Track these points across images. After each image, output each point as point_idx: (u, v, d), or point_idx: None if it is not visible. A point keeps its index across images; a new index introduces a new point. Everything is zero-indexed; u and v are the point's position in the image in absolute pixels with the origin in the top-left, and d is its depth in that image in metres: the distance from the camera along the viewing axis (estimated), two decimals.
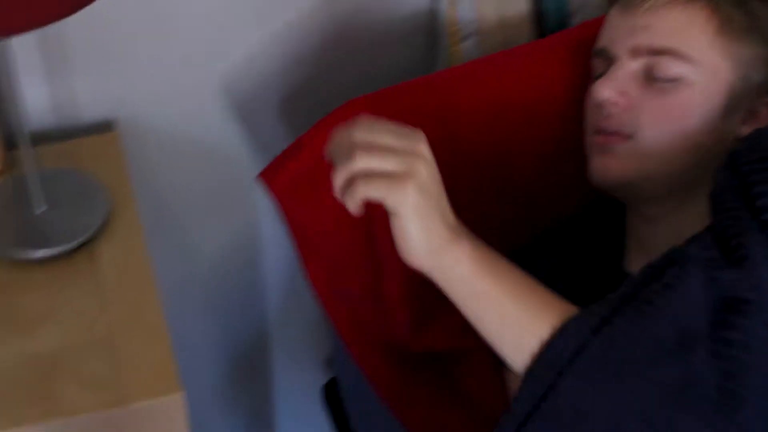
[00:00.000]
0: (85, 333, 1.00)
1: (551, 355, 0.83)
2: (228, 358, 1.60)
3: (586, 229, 1.20)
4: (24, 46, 1.17)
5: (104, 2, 1.12)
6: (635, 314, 0.81)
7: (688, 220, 1.01)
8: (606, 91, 1.05)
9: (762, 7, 1.04)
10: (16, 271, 1.06)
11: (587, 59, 1.14)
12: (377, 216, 1.14)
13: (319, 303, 1.17)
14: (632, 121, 1.04)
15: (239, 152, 1.36)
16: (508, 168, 1.20)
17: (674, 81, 1.02)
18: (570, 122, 1.17)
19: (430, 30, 1.33)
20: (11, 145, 1.16)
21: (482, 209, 1.19)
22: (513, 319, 0.86)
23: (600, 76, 1.08)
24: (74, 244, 1.07)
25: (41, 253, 1.06)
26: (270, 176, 1.12)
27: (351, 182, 0.84)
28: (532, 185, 1.21)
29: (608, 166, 1.05)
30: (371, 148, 0.83)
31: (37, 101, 1.21)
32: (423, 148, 0.86)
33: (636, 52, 1.04)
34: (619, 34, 1.07)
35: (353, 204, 0.84)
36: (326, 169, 1.15)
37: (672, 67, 1.02)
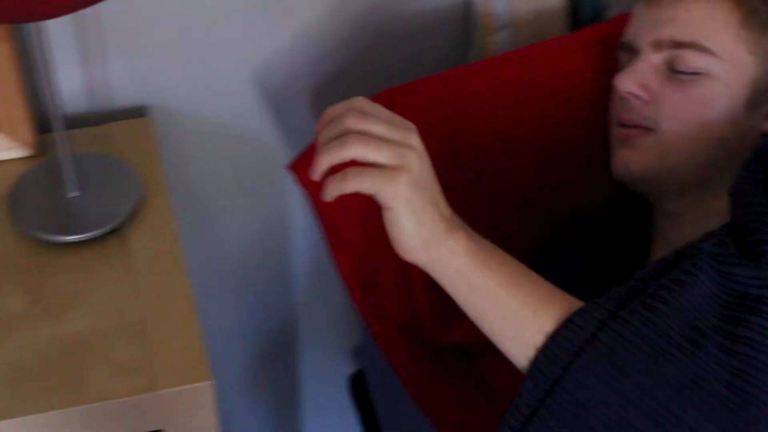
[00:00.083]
0: (115, 318, 1.00)
1: (556, 349, 0.82)
2: (255, 346, 1.60)
3: (612, 227, 1.20)
4: (60, 30, 1.17)
5: None
6: (643, 308, 0.80)
7: (713, 216, 1.00)
8: (626, 83, 1.04)
9: None
10: (47, 254, 1.06)
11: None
12: None
13: (347, 293, 1.17)
14: (653, 114, 1.03)
15: (270, 140, 1.36)
16: (535, 161, 1.19)
17: (696, 74, 1.01)
18: (599, 118, 1.16)
19: (464, 21, 1.33)
20: (45, 128, 1.16)
21: (508, 202, 1.18)
22: (512, 311, 0.85)
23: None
24: (106, 228, 1.08)
25: (73, 236, 1.07)
26: (299, 166, 1.12)
27: (339, 170, 0.82)
28: (560, 179, 1.21)
29: (629, 159, 1.05)
30: (365, 138, 0.82)
31: (71, 85, 1.22)
32: (415, 139, 0.84)
33: (658, 45, 1.04)
34: (643, 27, 1.06)
35: (336, 192, 0.82)
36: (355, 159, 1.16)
37: (694, 60, 1.01)
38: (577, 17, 1.30)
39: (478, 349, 1.15)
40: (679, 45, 1.02)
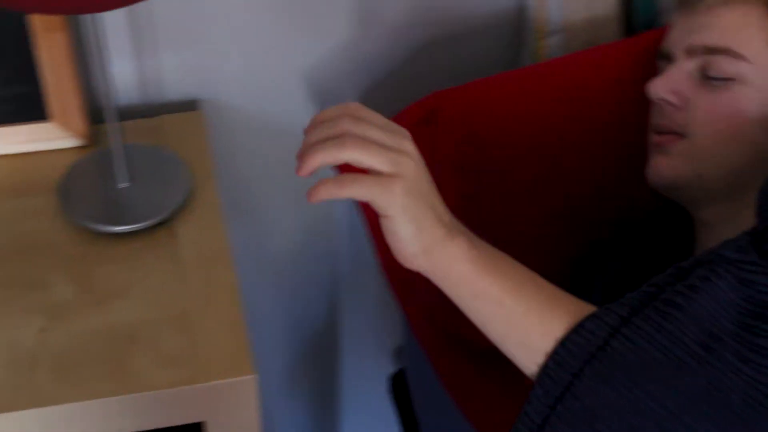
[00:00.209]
0: (161, 309, 1.01)
1: (567, 355, 0.80)
2: (296, 342, 1.60)
3: (654, 235, 1.19)
4: (114, 22, 1.18)
5: None
6: (656, 315, 0.78)
7: (749, 225, 0.99)
8: (658, 88, 1.04)
9: None
10: (97, 244, 1.07)
11: None
12: (450, 204, 1.14)
13: (392, 293, 1.17)
14: (686, 120, 1.03)
15: None
16: (581, 167, 1.19)
17: (728, 80, 1.01)
18: (645, 125, 1.16)
19: (517, 25, 1.32)
20: (98, 119, 1.18)
21: (552, 207, 1.18)
22: (518, 316, 0.83)
23: None
24: (155, 220, 1.08)
25: (122, 227, 1.08)
26: (347, 165, 1.12)
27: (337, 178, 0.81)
28: (605, 185, 1.20)
29: (662, 165, 1.05)
30: (363, 142, 0.80)
31: (124, 77, 1.23)
32: (410, 145, 0.83)
33: (692, 52, 1.04)
34: (679, 34, 1.06)
35: (328, 197, 0.81)
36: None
37: (726, 66, 1.01)
38: (630, 23, 1.29)
39: None
40: (711, 51, 1.02)
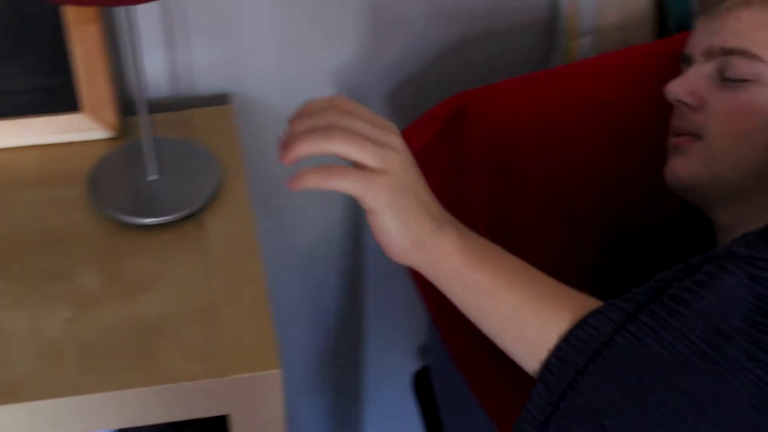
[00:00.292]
0: (188, 301, 1.01)
1: (570, 352, 0.79)
2: (320, 337, 1.61)
3: (674, 243, 1.18)
4: (147, 15, 1.18)
5: None
6: (663, 311, 0.77)
7: None
8: (675, 89, 1.04)
9: None
10: (125, 235, 1.08)
11: None
12: (473, 207, 1.14)
13: (417, 290, 1.17)
14: (702, 121, 1.02)
15: None
16: (608, 170, 1.19)
17: (744, 81, 1.00)
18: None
19: (549, 25, 1.32)
20: (128, 111, 1.18)
21: (578, 208, 1.18)
22: (512, 309, 0.83)
23: None
24: (183, 213, 1.09)
25: (151, 219, 1.08)
26: None
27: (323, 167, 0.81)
28: (631, 190, 1.20)
29: (678, 166, 1.04)
30: (350, 135, 0.80)
31: (155, 70, 1.23)
32: (397, 139, 0.83)
33: (709, 53, 1.04)
34: (699, 37, 1.06)
35: (312, 186, 0.81)
36: (432, 158, 1.16)
37: (743, 67, 1.00)
38: (664, 24, 1.29)
39: None
40: (728, 52, 1.02)
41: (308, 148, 0.80)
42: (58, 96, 1.16)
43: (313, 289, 1.52)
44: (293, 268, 1.48)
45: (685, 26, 1.28)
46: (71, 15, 1.11)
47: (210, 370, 0.95)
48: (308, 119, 0.82)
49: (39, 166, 1.16)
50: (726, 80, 1.01)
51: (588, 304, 0.82)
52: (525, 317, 0.83)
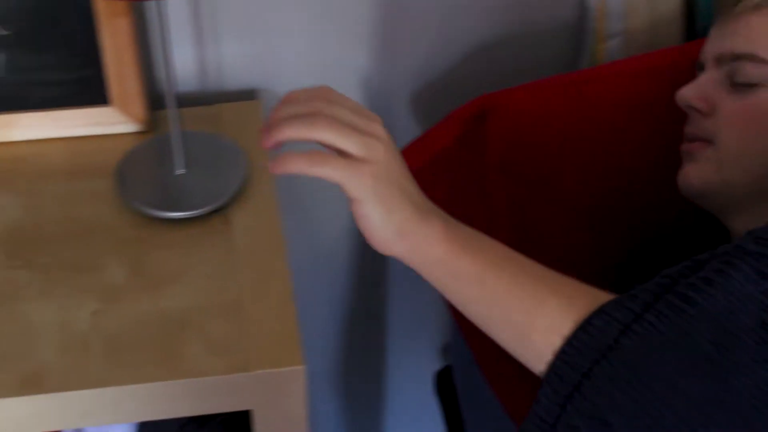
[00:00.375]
0: (213, 296, 1.01)
1: (576, 354, 0.78)
2: (343, 334, 1.61)
3: (697, 246, 1.18)
4: (176, 10, 1.19)
5: None
6: (670, 311, 0.76)
7: None
8: (686, 94, 1.04)
9: None
10: (151, 229, 1.08)
11: None
12: (496, 209, 1.14)
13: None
14: (712, 126, 1.02)
15: None
16: (629, 176, 1.19)
17: (754, 85, 1.00)
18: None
19: (577, 28, 1.31)
20: (157, 105, 1.19)
21: (600, 213, 1.17)
22: (499, 294, 0.82)
23: None
24: (210, 207, 1.09)
25: (177, 213, 1.08)
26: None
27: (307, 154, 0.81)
28: (652, 196, 1.20)
29: (689, 172, 1.04)
30: (335, 123, 0.80)
31: (184, 65, 1.24)
32: (380, 129, 0.83)
33: (720, 59, 1.03)
34: (711, 43, 1.06)
35: (294, 171, 0.80)
36: (455, 160, 1.15)
37: (752, 71, 1.00)
38: (692, 26, 1.28)
39: None
40: (738, 57, 1.01)
41: (291, 133, 0.81)
42: (87, 89, 1.16)
43: (336, 286, 1.53)
44: (316, 265, 1.48)
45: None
46: (102, 8, 1.11)
47: (234, 365, 0.95)
48: (292, 106, 0.82)
49: (67, 158, 1.17)
50: (736, 85, 1.01)
51: (578, 289, 0.82)
52: (512, 301, 0.82)
